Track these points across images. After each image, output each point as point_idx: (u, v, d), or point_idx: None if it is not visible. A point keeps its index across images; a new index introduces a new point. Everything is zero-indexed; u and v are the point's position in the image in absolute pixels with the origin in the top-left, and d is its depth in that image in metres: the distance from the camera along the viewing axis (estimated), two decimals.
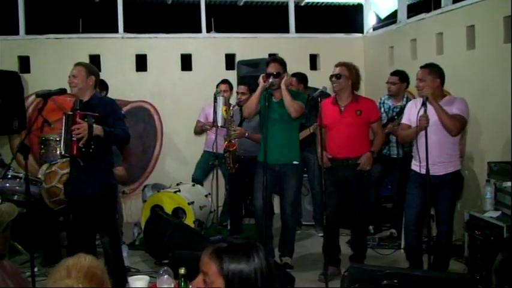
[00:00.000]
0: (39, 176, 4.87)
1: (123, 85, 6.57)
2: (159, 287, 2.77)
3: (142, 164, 6.81)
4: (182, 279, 2.57)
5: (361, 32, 7.40)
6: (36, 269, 3.87)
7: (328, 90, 4.60)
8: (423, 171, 3.81)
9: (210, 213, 5.76)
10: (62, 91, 3.83)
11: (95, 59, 6.48)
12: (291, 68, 4.99)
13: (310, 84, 5.78)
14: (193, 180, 5.97)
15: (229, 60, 6.94)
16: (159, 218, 4.90)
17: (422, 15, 5.94)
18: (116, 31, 6.75)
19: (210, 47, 6.96)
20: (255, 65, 6.07)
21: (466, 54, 5.07)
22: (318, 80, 5.83)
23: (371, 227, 5.55)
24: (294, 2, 7.26)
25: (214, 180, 5.62)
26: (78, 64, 3.95)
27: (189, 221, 5.22)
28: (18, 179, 4.73)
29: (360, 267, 3.47)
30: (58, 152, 4.74)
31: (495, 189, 4.18)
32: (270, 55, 6.41)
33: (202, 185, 6.01)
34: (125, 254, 4.35)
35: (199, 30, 6.95)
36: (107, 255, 3.91)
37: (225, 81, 5.98)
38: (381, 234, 5.59)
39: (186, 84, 6.84)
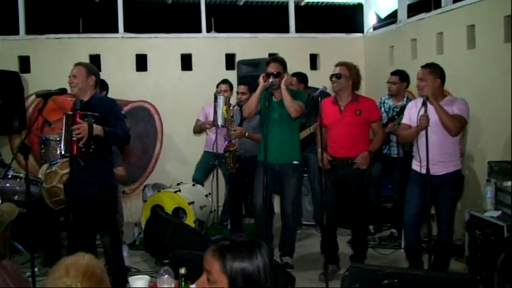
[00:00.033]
0: (40, 176, 4.87)
1: (123, 85, 6.56)
2: (159, 287, 2.77)
3: (143, 163, 6.81)
4: (182, 279, 2.57)
5: (362, 31, 7.40)
6: (36, 269, 3.86)
7: (328, 89, 4.60)
8: (423, 171, 3.81)
9: (210, 213, 5.76)
10: (62, 91, 3.83)
11: (95, 59, 6.48)
12: (291, 68, 4.98)
13: (310, 84, 5.77)
14: (193, 181, 5.97)
15: (230, 60, 6.94)
16: (160, 218, 4.90)
17: (423, 15, 5.94)
18: (116, 31, 6.75)
19: (210, 47, 6.96)
20: (255, 64, 6.06)
21: (466, 54, 5.07)
22: (318, 80, 5.84)
23: (371, 227, 5.55)
24: (294, 1, 7.26)
25: (214, 180, 5.62)
26: (78, 64, 3.94)
27: (190, 220, 5.22)
28: (18, 179, 4.74)
29: (360, 267, 3.46)
30: (58, 152, 4.73)
31: (495, 189, 4.18)
32: (270, 55, 6.41)
33: (202, 185, 6.01)
34: (125, 253, 4.36)
35: (199, 30, 6.95)
36: (108, 255, 3.91)
37: (225, 81, 5.97)
38: (381, 234, 5.59)
39: (186, 84, 6.84)
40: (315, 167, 5.56)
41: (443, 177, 3.94)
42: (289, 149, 4.60)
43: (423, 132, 3.79)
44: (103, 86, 5.46)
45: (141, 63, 6.82)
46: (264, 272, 1.64)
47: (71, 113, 3.73)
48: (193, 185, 5.85)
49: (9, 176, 4.71)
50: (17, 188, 4.68)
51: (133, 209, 6.47)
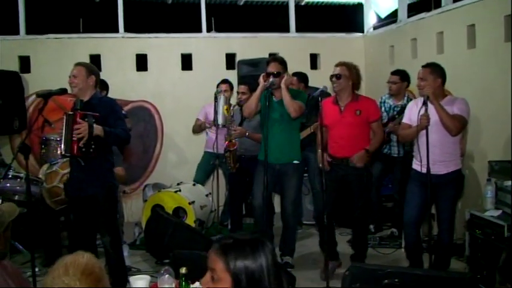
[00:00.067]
0: (40, 176, 4.87)
1: (124, 85, 6.57)
2: (160, 287, 2.77)
3: (143, 163, 6.82)
4: (183, 278, 2.57)
5: (362, 31, 7.40)
6: (37, 269, 3.86)
7: (328, 89, 4.60)
8: (424, 170, 3.81)
9: (210, 213, 5.76)
10: (63, 91, 3.83)
11: (95, 59, 6.49)
12: (292, 68, 4.98)
13: (310, 84, 5.77)
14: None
15: (230, 60, 6.94)
16: (160, 218, 4.90)
17: (423, 15, 5.93)
18: (117, 31, 6.75)
19: (211, 47, 6.96)
20: (255, 64, 6.06)
21: (467, 54, 5.07)
22: (319, 80, 5.84)
23: (372, 226, 5.55)
24: (294, 1, 7.26)
25: (215, 179, 5.62)
26: (78, 64, 3.95)
27: (190, 220, 5.22)
28: (19, 179, 4.74)
29: (360, 267, 3.46)
30: (59, 152, 4.74)
31: (496, 188, 4.18)
32: (270, 54, 6.41)
33: (203, 185, 6.01)
34: (125, 253, 4.36)
35: (199, 30, 6.95)
36: (108, 254, 3.92)
37: (225, 81, 5.97)
38: (381, 234, 5.59)
39: (187, 83, 6.85)
40: (315, 167, 5.56)
41: (444, 176, 3.94)
42: (290, 148, 4.59)
43: (423, 131, 3.79)
44: (103, 86, 5.46)
45: (141, 63, 6.82)
46: (267, 270, 1.64)
47: (71, 113, 3.73)
48: (194, 184, 5.85)
49: (10, 176, 4.71)
50: (18, 188, 4.68)
51: (134, 209, 6.48)
